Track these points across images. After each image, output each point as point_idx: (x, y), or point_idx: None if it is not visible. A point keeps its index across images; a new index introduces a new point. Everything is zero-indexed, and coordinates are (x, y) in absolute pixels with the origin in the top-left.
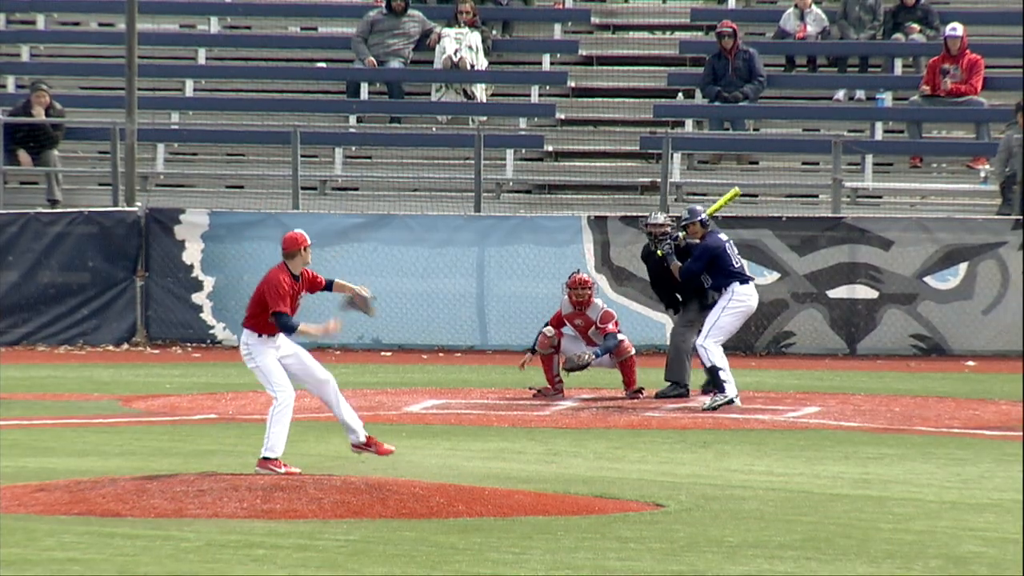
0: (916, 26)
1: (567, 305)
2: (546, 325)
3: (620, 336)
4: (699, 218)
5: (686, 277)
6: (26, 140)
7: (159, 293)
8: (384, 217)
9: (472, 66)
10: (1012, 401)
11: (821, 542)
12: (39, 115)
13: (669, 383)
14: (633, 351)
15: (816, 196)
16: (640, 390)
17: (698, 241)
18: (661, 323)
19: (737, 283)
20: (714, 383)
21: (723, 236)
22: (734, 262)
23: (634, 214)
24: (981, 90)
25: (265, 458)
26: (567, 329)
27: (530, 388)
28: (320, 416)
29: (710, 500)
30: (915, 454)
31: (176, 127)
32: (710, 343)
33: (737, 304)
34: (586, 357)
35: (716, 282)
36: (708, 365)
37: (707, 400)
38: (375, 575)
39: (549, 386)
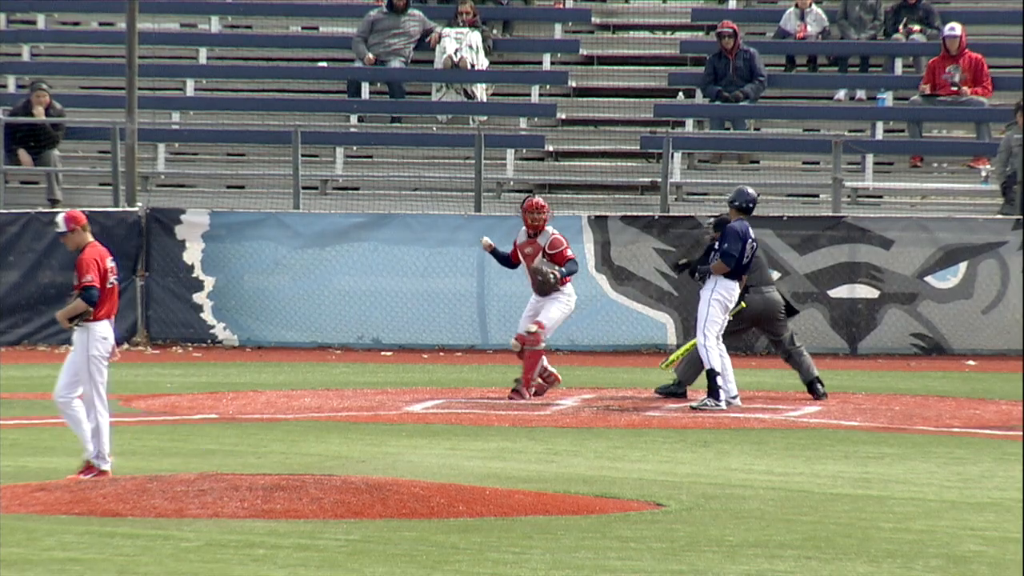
0: (917, 27)
1: (523, 234)
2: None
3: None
4: (736, 202)
5: (729, 263)
6: (26, 140)
7: (160, 293)
8: (385, 217)
9: (472, 66)
10: (1012, 400)
11: (821, 541)
12: (39, 115)
13: (675, 381)
14: (541, 345)
15: (816, 196)
16: (517, 391)
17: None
18: (662, 323)
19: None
20: (709, 388)
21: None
22: (743, 258)
23: (634, 214)
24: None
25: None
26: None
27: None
28: (319, 416)
29: (710, 499)
30: (915, 453)
31: (177, 127)
32: (712, 341)
33: (721, 295)
34: (552, 274)
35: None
36: (708, 367)
37: (695, 401)
38: (375, 575)
39: (542, 380)
